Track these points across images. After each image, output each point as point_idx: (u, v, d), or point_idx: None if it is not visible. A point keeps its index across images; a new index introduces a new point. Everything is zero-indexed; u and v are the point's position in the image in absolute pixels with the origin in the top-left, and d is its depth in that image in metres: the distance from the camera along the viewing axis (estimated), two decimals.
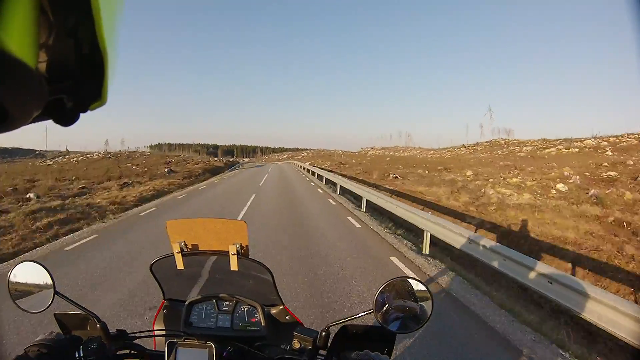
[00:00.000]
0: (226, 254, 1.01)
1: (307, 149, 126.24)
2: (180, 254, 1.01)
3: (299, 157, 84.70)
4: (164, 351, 0.92)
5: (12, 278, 0.91)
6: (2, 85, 0.20)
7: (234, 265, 1.01)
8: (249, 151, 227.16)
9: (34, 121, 0.27)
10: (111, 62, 0.28)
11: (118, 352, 0.94)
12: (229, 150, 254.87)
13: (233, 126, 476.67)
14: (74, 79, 0.28)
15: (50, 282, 0.91)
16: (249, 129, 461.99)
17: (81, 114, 0.31)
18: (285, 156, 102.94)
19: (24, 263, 0.93)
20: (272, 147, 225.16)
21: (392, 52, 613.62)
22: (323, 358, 0.95)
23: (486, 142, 76.74)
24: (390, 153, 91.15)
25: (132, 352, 0.96)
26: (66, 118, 0.30)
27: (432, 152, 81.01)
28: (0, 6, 0.19)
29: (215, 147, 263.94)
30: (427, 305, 0.85)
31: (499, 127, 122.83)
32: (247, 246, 1.02)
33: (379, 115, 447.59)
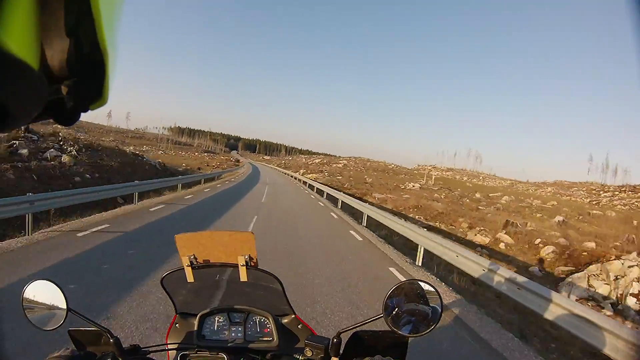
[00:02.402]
0: (235, 265, 1.01)
1: (341, 157, 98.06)
2: (190, 267, 1.02)
3: (339, 165, 57.57)
4: None
5: (26, 296, 0.92)
6: (2, 85, 0.20)
7: (243, 276, 1.01)
8: (273, 149, 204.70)
9: (34, 121, 0.26)
10: (112, 61, 0.27)
11: None
12: (251, 145, 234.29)
13: (260, 120, 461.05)
14: (74, 79, 0.28)
15: (63, 299, 0.92)
16: (277, 125, 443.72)
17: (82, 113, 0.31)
18: (316, 160, 75.04)
19: (37, 281, 0.94)
20: (300, 148, 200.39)
21: (464, 63, 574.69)
22: None
23: None
24: (464, 178, 63.23)
25: None
26: (67, 117, 0.30)
27: (549, 189, 52.65)
28: (0, 6, 0.19)
29: (237, 139, 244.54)
30: (437, 307, 0.84)
31: (603, 164, 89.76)
32: (255, 257, 1.02)
33: (438, 129, 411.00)
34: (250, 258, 1.00)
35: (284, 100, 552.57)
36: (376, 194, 17.32)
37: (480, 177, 76.65)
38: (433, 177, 34.99)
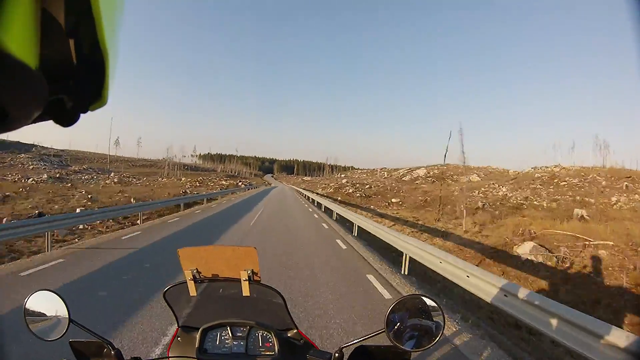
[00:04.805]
0: (238, 280, 1.02)
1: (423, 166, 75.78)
2: (192, 281, 1.03)
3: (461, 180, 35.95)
4: None
5: (28, 306, 0.92)
6: (2, 85, 0.20)
7: (245, 291, 1.02)
8: (313, 168, 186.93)
9: (34, 121, 0.26)
10: (112, 62, 0.27)
11: None
12: (288, 166, 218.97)
13: (295, 140, 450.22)
14: (74, 79, 0.28)
15: (65, 310, 0.93)
16: (314, 144, 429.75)
17: (82, 114, 0.30)
18: (402, 174, 52.59)
19: (39, 292, 0.94)
20: (343, 165, 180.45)
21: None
22: None
23: None
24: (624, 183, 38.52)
25: None
26: (66, 118, 0.30)
27: None
28: (0, 6, 0.19)
29: (272, 161, 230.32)
30: (439, 321, 0.85)
31: None
32: (258, 272, 1.03)
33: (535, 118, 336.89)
34: (254, 273, 1.01)
35: (322, 113, 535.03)
36: None
37: None
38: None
